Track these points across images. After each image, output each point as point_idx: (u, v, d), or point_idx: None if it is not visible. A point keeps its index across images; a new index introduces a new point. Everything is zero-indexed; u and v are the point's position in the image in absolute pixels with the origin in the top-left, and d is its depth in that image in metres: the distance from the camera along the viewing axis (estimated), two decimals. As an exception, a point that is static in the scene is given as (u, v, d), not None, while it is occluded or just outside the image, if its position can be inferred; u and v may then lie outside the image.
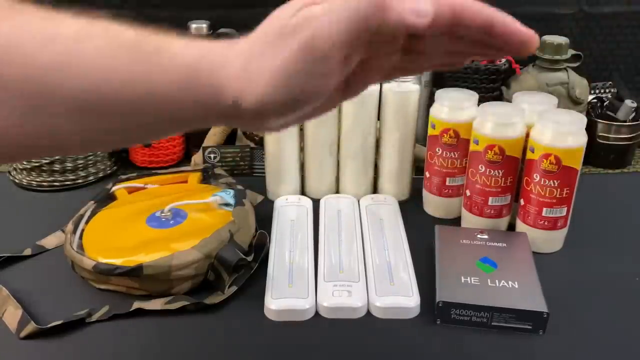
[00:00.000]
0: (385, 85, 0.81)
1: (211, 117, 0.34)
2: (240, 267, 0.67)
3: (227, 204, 0.74)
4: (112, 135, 0.34)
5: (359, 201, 0.83)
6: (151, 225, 0.70)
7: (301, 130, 0.84)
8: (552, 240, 0.74)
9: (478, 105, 0.76)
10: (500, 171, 0.72)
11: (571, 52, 0.91)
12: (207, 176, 0.86)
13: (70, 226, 0.71)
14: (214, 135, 0.94)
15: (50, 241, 0.75)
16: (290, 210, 0.81)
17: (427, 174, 0.81)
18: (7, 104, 0.29)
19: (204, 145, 0.92)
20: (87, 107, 0.31)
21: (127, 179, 0.84)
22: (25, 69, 0.29)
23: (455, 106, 0.76)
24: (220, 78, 0.32)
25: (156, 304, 0.63)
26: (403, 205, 0.83)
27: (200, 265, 0.64)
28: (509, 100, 0.84)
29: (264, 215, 0.78)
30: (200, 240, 0.65)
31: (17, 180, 0.90)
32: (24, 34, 0.29)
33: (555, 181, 0.69)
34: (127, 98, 0.32)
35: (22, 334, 0.60)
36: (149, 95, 0.32)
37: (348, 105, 0.80)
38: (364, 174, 0.85)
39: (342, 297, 0.63)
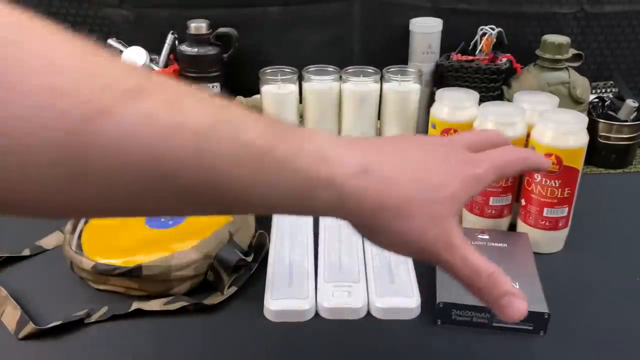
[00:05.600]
0: (386, 85, 0.81)
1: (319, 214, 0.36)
2: (240, 267, 0.67)
3: (226, 204, 0.74)
4: (196, 212, 0.34)
5: (359, 201, 0.83)
6: (150, 226, 0.70)
7: (301, 130, 0.84)
8: (553, 241, 0.73)
9: (479, 104, 0.76)
10: (501, 171, 0.71)
11: (572, 51, 0.91)
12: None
13: (69, 226, 0.71)
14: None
15: (49, 241, 0.75)
16: (290, 210, 0.80)
17: (427, 174, 0.81)
18: (111, 187, 0.29)
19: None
20: (192, 198, 0.31)
21: (127, 179, 0.83)
22: (142, 157, 0.28)
23: (456, 106, 0.76)
24: (349, 193, 0.33)
25: (155, 305, 0.63)
26: (403, 205, 0.82)
27: (199, 266, 0.64)
28: (510, 100, 0.84)
29: (264, 215, 0.78)
30: (200, 240, 0.65)
31: (16, 180, 0.90)
32: (148, 122, 0.28)
33: (556, 181, 0.68)
34: (239, 198, 0.32)
35: (21, 334, 0.59)
36: (260, 199, 0.32)
37: (348, 105, 0.80)
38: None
39: (342, 297, 0.63)
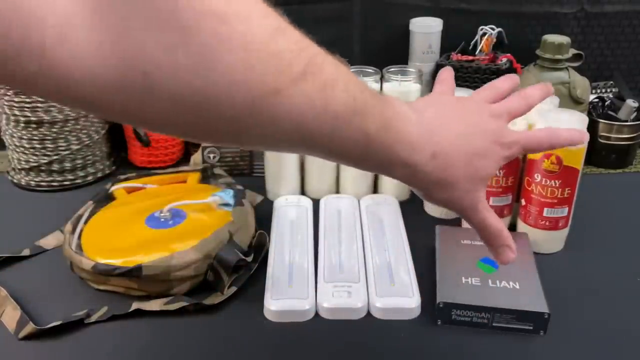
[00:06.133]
0: (386, 85, 0.81)
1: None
2: (240, 267, 0.67)
3: (226, 204, 0.74)
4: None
5: (359, 201, 0.83)
6: (150, 226, 0.70)
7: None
8: (553, 241, 0.73)
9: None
10: (501, 171, 0.71)
11: (572, 51, 0.91)
12: (207, 176, 0.85)
13: (69, 226, 0.71)
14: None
15: (49, 241, 0.75)
16: (290, 210, 0.80)
17: (427, 174, 0.81)
18: (266, 140, 0.38)
19: (203, 145, 0.92)
20: (314, 152, 0.41)
21: (126, 179, 0.83)
22: (294, 126, 0.36)
23: (456, 106, 0.75)
24: (414, 160, 0.42)
25: (155, 305, 0.63)
26: (403, 205, 0.82)
27: (199, 266, 0.64)
28: (510, 100, 0.84)
29: (264, 215, 0.78)
30: (200, 240, 0.65)
31: (15, 181, 0.90)
32: (305, 103, 0.35)
33: (556, 181, 0.68)
34: (339, 159, 0.42)
35: (21, 334, 0.59)
36: (356, 164, 0.43)
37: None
38: (364, 174, 0.84)
39: (342, 297, 0.63)
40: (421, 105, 0.45)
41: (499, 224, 0.49)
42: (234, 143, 0.40)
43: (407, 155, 0.42)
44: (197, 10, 0.30)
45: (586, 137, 0.48)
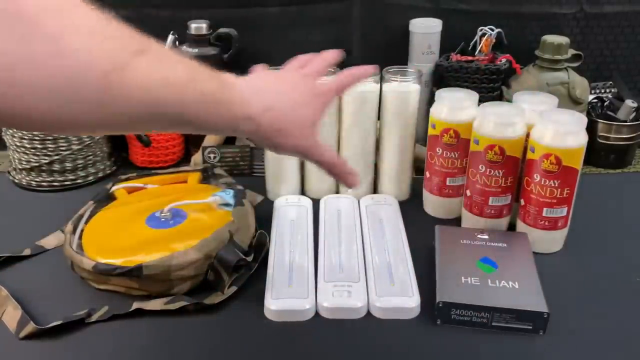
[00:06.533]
0: (385, 86, 0.81)
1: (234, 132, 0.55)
2: (240, 267, 0.67)
3: (226, 204, 0.74)
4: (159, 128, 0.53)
5: (359, 201, 0.83)
6: (151, 226, 0.70)
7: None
8: (552, 240, 0.74)
9: (478, 105, 0.76)
10: (500, 171, 0.71)
11: (572, 51, 0.91)
12: (207, 176, 0.85)
13: (69, 226, 0.71)
14: (214, 135, 0.94)
15: (50, 241, 0.75)
16: (290, 210, 0.80)
17: (427, 174, 0.81)
18: (123, 114, 0.41)
19: (203, 145, 0.92)
20: (170, 124, 0.46)
21: (127, 179, 0.84)
22: (145, 98, 0.41)
23: (456, 106, 0.76)
24: (245, 110, 0.50)
25: (156, 304, 0.63)
26: (403, 205, 0.82)
27: (199, 266, 0.64)
28: (510, 100, 0.84)
29: (264, 215, 0.78)
30: (200, 240, 0.65)
31: (16, 180, 0.90)
32: (148, 75, 0.40)
33: (555, 181, 0.68)
34: (196, 125, 0.47)
35: (22, 334, 0.60)
36: (209, 127, 0.50)
37: (348, 105, 0.80)
38: (364, 174, 0.85)
39: (342, 297, 0.63)
40: (245, 77, 0.54)
41: (336, 158, 0.58)
42: (99, 128, 0.45)
43: (244, 110, 0.49)
44: (38, 5, 0.35)
45: (375, 69, 0.62)
